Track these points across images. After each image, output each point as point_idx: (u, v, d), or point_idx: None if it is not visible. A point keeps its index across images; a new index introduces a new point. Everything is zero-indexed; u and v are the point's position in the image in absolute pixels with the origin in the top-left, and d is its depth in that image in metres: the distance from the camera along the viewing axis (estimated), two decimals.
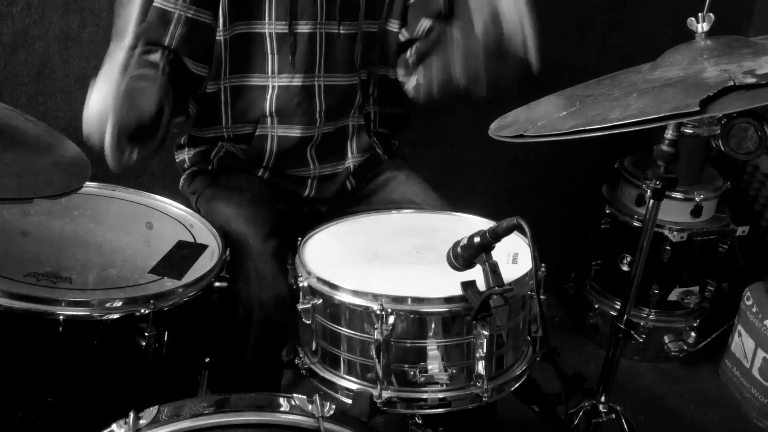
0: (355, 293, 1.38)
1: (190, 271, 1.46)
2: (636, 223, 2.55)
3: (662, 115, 1.09)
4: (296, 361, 1.51)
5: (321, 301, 1.42)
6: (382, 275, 1.47)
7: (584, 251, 2.81)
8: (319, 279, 1.43)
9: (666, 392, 2.53)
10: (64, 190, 1.29)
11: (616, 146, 2.70)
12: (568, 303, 2.87)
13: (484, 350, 1.36)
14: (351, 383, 1.43)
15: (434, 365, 1.37)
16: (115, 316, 1.32)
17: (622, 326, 1.78)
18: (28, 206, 1.58)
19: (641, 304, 2.58)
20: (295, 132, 1.82)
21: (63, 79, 2.07)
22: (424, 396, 1.39)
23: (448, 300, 1.36)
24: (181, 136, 1.91)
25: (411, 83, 1.87)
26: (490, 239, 1.33)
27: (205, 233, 1.61)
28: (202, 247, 1.55)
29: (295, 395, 1.14)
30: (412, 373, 1.37)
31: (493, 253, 1.35)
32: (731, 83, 1.12)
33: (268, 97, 1.78)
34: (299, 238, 1.59)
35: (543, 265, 1.48)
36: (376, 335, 1.34)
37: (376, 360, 1.36)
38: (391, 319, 1.35)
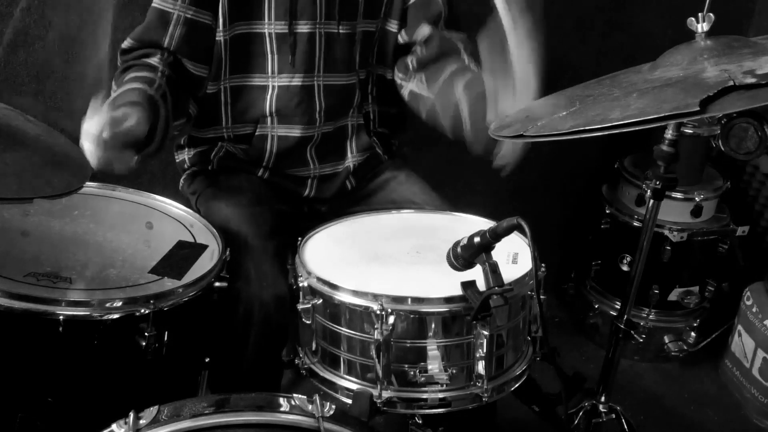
0: (355, 293, 1.38)
1: (190, 271, 1.45)
2: (636, 223, 2.54)
3: (662, 115, 1.09)
4: (296, 361, 1.51)
5: (321, 301, 1.42)
6: (382, 275, 1.46)
7: (584, 251, 2.81)
8: (319, 279, 1.43)
9: (666, 392, 2.53)
10: (64, 190, 1.29)
11: (616, 146, 2.70)
12: (568, 303, 2.87)
13: (484, 350, 1.36)
14: (351, 383, 1.43)
15: (434, 365, 1.37)
16: (115, 316, 1.32)
17: (622, 326, 1.78)
18: (28, 206, 1.57)
19: (641, 304, 2.58)
20: (295, 132, 1.82)
21: (63, 79, 2.07)
22: (424, 396, 1.39)
23: (448, 300, 1.36)
24: (181, 137, 1.91)
25: (407, 88, 1.85)
26: (490, 239, 1.33)
27: (205, 233, 1.61)
28: (202, 247, 1.55)
29: (295, 395, 1.14)
30: (412, 373, 1.37)
31: (493, 253, 1.35)
32: (731, 83, 1.11)
33: (268, 97, 1.78)
34: (299, 238, 1.59)
35: (543, 265, 1.48)
36: (376, 335, 1.34)
37: (376, 360, 1.36)
38: (391, 319, 1.35)
